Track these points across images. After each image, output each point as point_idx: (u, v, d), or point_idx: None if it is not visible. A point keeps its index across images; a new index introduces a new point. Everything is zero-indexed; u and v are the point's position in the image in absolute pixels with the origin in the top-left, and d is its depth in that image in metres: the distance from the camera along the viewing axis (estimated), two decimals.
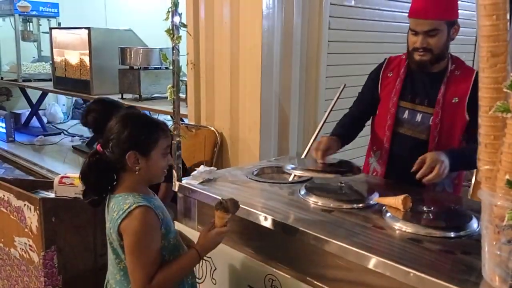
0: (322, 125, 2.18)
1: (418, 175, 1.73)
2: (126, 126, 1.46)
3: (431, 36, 1.85)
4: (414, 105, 2.00)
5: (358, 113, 2.21)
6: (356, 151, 2.87)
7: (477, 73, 1.83)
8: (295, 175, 2.02)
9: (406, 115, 2.02)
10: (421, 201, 1.69)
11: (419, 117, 1.98)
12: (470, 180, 3.09)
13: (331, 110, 2.17)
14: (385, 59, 2.17)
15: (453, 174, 1.99)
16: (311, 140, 2.16)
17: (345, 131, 2.14)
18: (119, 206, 1.42)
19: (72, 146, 6.33)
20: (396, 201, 1.58)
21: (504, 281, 1.04)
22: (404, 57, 2.07)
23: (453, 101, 1.91)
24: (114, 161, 1.46)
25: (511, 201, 0.95)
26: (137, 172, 1.46)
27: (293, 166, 1.93)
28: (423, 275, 1.17)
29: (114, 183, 1.51)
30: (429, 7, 1.83)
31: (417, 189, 1.83)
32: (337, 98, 2.20)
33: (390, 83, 2.08)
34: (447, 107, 1.91)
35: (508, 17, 0.95)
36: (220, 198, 1.55)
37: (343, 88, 2.20)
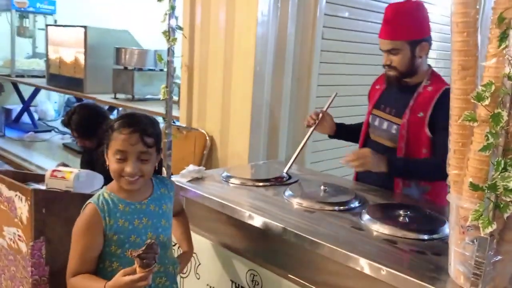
0: (311, 132, 2.25)
1: (342, 160, 1.92)
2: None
3: (393, 54, 1.99)
4: (384, 114, 2.13)
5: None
6: None
7: (446, 89, 1.90)
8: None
9: (377, 122, 2.16)
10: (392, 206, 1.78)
11: (385, 125, 2.11)
12: None
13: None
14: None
15: (425, 188, 2.04)
16: (297, 150, 2.23)
17: (347, 126, 2.36)
18: None
19: (63, 144, 6.35)
20: None
21: (467, 279, 1.11)
22: None
23: (419, 115, 1.98)
24: None
25: (475, 203, 1.03)
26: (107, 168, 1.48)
27: (228, 174, 2.09)
28: (394, 271, 1.25)
29: None
30: (389, 28, 1.98)
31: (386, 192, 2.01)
32: (328, 106, 2.28)
33: (375, 94, 2.24)
34: (412, 120, 1.99)
35: (478, 34, 1.04)
36: (138, 251, 1.28)
37: (334, 97, 2.28)
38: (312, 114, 2.24)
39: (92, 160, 2.77)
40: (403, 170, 1.97)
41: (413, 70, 2.01)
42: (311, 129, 2.23)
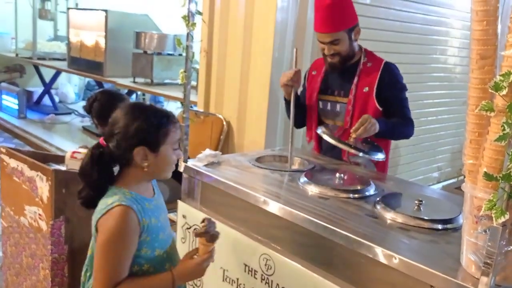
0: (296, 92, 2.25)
1: (351, 130, 2.02)
2: (134, 119, 1.35)
3: (335, 44, 2.16)
4: (334, 97, 2.31)
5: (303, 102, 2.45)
6: None
7: (385, 63, 2.15)
8: (298, 163, 2.19)
9: (328, 107, 2.34)
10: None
11: (338, 107, 2.30)
12: None
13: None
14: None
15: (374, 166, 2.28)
16: (292, 114, 2.20)
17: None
18: (106, 199, 1.35)
19: (82, 127, 6.46)
20: None
21: (478, 268, 1.12)
22: None
23: (364, 90, 2.20)
24: (119, 156, 1.37)
25: (489, 193, 1.02)
26: (145, 169, 1.36)
27: (323, 130, 2.13)
28: (405, 259, 1.26)
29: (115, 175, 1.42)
30: (327, 23, 2.12)
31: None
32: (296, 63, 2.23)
33: (314, 81, 2.40)
34: (358, 96, 2.21)
35: (498, 23, 1.03)
36: (202, 223, 1.40)
37: (296, 53, 2.21)
38: (292, 72, 2.19)
39: None
40: (387, 128, 2.10)
41: (353, 53, 2.22)
42: (294, 90, 2.21)
